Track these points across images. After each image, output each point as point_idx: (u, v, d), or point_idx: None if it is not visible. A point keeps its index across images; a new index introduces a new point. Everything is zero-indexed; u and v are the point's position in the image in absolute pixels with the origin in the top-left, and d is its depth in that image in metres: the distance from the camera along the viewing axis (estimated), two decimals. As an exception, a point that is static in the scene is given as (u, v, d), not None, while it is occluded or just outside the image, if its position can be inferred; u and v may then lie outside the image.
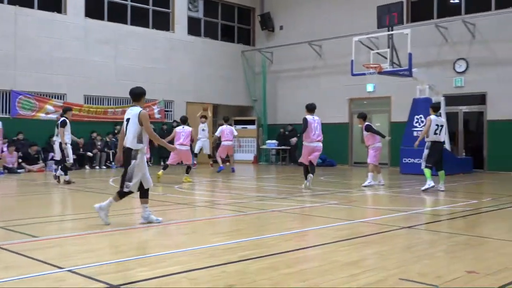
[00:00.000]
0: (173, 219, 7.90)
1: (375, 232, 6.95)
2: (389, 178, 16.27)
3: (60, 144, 12.90)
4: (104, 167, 19.69)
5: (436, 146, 12.07)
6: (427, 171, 12.01)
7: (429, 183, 11.90)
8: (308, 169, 12.36)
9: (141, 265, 4.93)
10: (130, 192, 7.29)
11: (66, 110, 13.57)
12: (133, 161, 7.12)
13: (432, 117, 12.04)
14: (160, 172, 14.20)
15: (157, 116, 22.17)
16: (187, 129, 14.43)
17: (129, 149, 7.16)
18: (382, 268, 4.88)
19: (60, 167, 13.23)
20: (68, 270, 4.69)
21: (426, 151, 12.14)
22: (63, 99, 19.75)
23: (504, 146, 18.34)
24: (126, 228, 7.05)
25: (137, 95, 7.53)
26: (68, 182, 13.01)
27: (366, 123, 13.50)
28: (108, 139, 20.18)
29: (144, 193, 7.30)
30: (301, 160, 12.68)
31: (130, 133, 7.17)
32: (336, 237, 6.59)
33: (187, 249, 5.69)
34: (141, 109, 7.34)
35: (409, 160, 17.17)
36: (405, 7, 19.83)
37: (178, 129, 14.55)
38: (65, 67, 19.73)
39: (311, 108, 12.82)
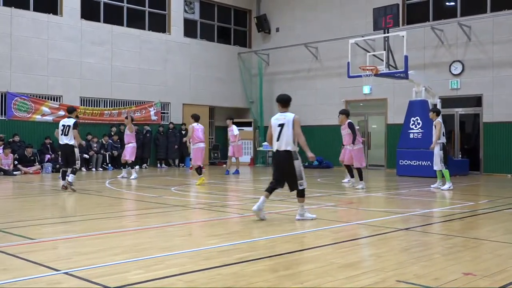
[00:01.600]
0: (169, 221, 7.87)
1: (373, 234, 6.94)
2: (386, 180, 16.29)
3: (72, 146, 12.01)
4: (101, 169, 19.63)
5: (445, 147, 13.05)
6: (447, 172, 12.76)
7: (450, 184, 12.67)
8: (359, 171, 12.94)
9: (137, 267, 4.90)
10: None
11: (72, 110, 12.67)
12: (296, 161, 7.81)
13: (440, 119, 13.04)
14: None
15: (153, 118, 22.14)
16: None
17: (289, 152, 7.78)
18: (380, 270, 4.87)
19: (72, 170, 12.18)
20: (64, 273, 4.66)
21: (441, 153, 12.78)
22: (59, 101, 19.70)
23: (500, 148, 18.38)
24: (122, 230, 7.02)
25: (287, 101, 8.09)
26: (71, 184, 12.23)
27: (349, 120, 13.14)
28: (104, 141, 20.13)
29: (301, 192, 7.89)
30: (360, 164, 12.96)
31: (288, 137, 7.77)
32: (333, 239, 6.58)
33: (183, 251, 5.66)
34: (294, 115, 7.93)
35: (406, 162, 17.19)
36: (401, 10, 19.88)
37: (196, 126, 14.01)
38: (60, 69, 19.68)
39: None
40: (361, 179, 12.84)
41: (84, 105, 20.33)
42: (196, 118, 14.19)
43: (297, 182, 7.82)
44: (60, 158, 13.15)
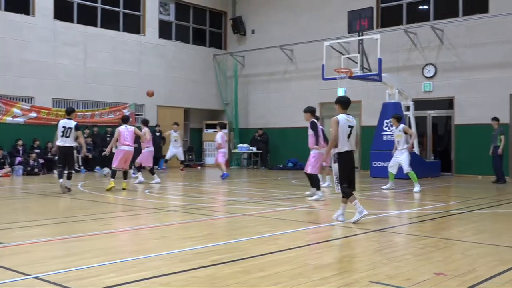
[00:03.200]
0: (143, 224, 7.82)
1: (346, 235, 7.00)
2: (360, 181, 16.42)
3: (72, 148, 11.91)
4: (73, 171, 19.30)
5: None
6: (414, 174, 12.91)
7: (418, 186, 12.73)
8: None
9: (110, 270, 4.85)
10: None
11: (71, 111, 12.41)
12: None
13: (403, 125, 13.29)
14: None
15: (127, 119, 21.91)
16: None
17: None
18: (353, 271, 4.92)
19: (69, 175, 11.92)
20: (35, 277, 4.59)
21: (409, 156, 13.11)
22: (31, 102, 19.39)
23: (471, 150, 18.70)
24: (95, 233, 6.94)
25: (348, 103, 8.10)
26: (69, 190, 11.93)
27: (313, 119, 11.25)
28: (77, 143, 19.83)
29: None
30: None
31: (354, 138, 7.96)
32: (308, 240, 6.62)
33: (157, 254, 5.63)
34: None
35: (379, 164, 17.35)
36: (375, 13, 20.09)
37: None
38: (33, 70, 19.37)
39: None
40: (312, 186, 11.10)
41: (56, 107, 20.03)
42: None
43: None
44: (58, 160, 12.68)
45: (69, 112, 12.40)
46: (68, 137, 11.89)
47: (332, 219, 8.02)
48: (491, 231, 7.32)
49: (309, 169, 11.05)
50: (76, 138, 12.27)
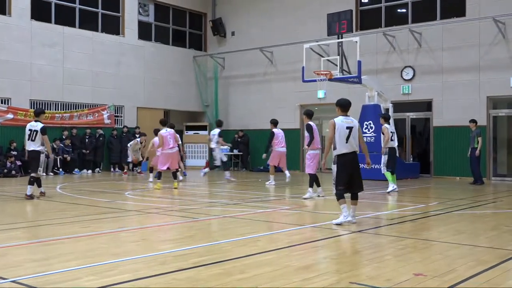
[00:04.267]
0: (122, 226, 7.75)
1: (327, 236, 7.02)
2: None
3: (38, 152, 11.10)
4: (51, 173, 19.12)
5: (392, 151, 13.21)
6: (389, 174, 12.97)
7: (393, 185, 12.84)
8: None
9: (89, 273, 4.80)
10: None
11: (39, 113, 11.60)
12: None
13: (387, 125, 13.17)
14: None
15: (106, 121, 21.74)
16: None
17: (357, 153, 7.96)
18: (334, 272, 4.93)
19: (30, 180, 11.24)
20: (12, 281, 4.52)
21: (385, 157, 13.19)
22: (7, 104, 19.10)
23: (449, 152, 18.94)
24: (74, 236, 6.86)
25: (348, 105, 8.20)
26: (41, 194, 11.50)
27: (309, 122, 12.09)
28: (55, 145, 19.61)
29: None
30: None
31: (356, 139, 7.93)
32: (288, 242, 6.62)
33: (137, 256, 5.58)
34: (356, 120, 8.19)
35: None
36: (354, 15, 20.22)
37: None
38: (9, 71, 19.07)
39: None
40: (310, 185, 11.79)
41: (34, 108, 19.74)
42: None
43: (362, 183, 8.01)
44: (29, 165, 12.16)
45: (37, 114, 11.58)
46: (33, 140, 11.09)
47: (342, 223, 7.70)
48: (470, 232, 7.41)
49: (306, 169, 11.95)
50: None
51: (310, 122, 12.04)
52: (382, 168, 13.31)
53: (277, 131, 15.07)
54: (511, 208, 10.80)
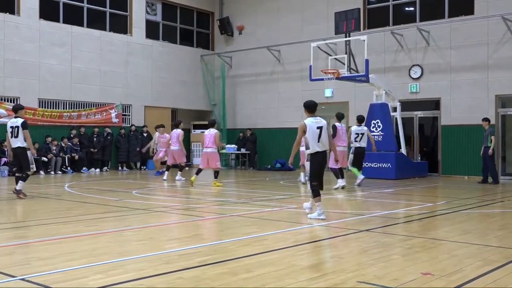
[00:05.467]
0: (129, 225, 7.76)
1: (334, 235, 7.00)
2: (347, 182, 16.44)
3: (24, 148, 10.84)
4: (60, 172, 19.20)
5: (358, 150, 14.36)
6: (355, 170, 14.37)
7: (361, 177, 14.24)
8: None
9: (95, 272, 4.80)
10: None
11: (18, 108, 11.28)
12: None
13: (353, 128, 14.48)
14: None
15: (114, 120, 21.81)
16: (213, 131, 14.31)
17: (326, 152, 8.42)
18: (341, 271, 4.91)
19: (23, 177, 11.02)
20: (21, 279, 4.54)
21: (351, 156, 14.44)
22: (16, 103, 19.17)
23: (457, 151, 18.84)
24: (80, 235, 6.88)
25: (314, 107, 8.48)
26: (19, 192, 11.03)
27: (337, 123, 13.96)
28: (63, 144, 19.71)
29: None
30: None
31: (326, 138, 8.32)
32: (295, 241, 6.60)
33: (143, 255, 5.59)
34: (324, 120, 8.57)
35: (367, 164, 17.38)
36: (362, 14, 20.16)
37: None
38: (18, 70, 19.18)
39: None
40: (337, 177, 13.50)
41: (42, 107, 19.87)
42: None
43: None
44: (11, 162, 11.73)
45: (16, 110, 11.22)
46: (16, 137, 10.80)
47: (309, 218, 8.17)
48: (477, 231, 7.36)
49: (329, 163, 12.84)
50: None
51: (337, 124, 13.83)
52: (348, 165, 14.44)
53: (340, 126, 14.02)
54: (520, 208, 10.73)
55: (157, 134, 17.98)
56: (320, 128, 8.23)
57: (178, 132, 16.15)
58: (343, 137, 13.91)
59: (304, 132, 8.22)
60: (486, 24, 18.17)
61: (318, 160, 8.25)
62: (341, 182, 13.38)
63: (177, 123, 16.90)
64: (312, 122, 8.25)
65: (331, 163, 13.07)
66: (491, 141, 15.47)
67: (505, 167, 18.40)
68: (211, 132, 14.28)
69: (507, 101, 18.45)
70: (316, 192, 8.16)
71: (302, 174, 14.92)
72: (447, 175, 18.87)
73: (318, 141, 8.20)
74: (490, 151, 15.45)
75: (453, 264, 5.24)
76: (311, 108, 8.42)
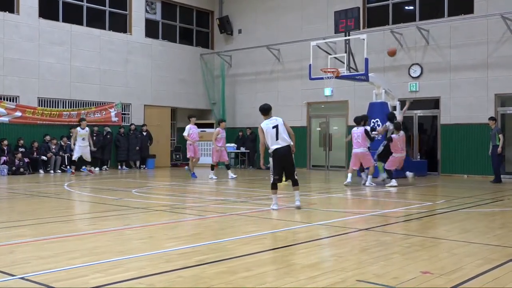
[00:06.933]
0: (129, 224, 7.77)
1: (333, 234, 7.01)
2: (336, 184, 16.45)
3: None
4: (59, 171, 19.21)
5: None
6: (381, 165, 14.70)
7: (384, 175, 14.50)
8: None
9: (95, 271, 4.81)
10: None
11: None
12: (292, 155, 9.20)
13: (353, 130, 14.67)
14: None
15: (114, 119, 21.81)
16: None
17: (290, 146, 9.06)
18: (340, 270, 4.91)
19: None
20: (21, 278, 4.54)
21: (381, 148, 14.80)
22: (16, 101, 19.20)
23: (456, 150, 18.85)
24: (81, 233, 6.88)
25: (267, 110, 9.31)
26: None
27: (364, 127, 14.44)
28: (63, 143, 19.72)
29: (296, 181, 9.23)
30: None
31: (285, 134, 9.05)
32: (294, 240, 6.61)
33: (143, 254, 5.59)
34: (281, 118, 9.25)
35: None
36: (362, 13, 20.15)
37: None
38: (17, 69, 19.18)
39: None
40: (390, 177, 14.24)
41: (42, 106, 19.87)
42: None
43: (294, 173, 9.16)
44: None
45: None
46: None
47: (276, 209, 8.99)
48: (477, 230, 7.37)
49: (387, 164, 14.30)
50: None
51: (394, 135, 14.25)
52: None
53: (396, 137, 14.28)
54: (519, 206, 10.75)
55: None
56: (275, 126, 8.97)
57: (215, 130, 17.13)
58: (400, 145, 14.26)
59: (263, 133, 9.06)
60: (485, 23, 18.17)
61: (278, 156, 9.03)
62: (393, 182, 14.02)
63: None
64: (267, 124, 9.06)
65: (388, 165, 14.20)
66: (499, 139, 15.43)
67: (505, 166, 18.40)
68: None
69: (506, 100, 18.46)
70: (274, 185, 9.08)
71: (369, 177, 14.46)
72: (446, 174, 18.88)
73: (277, 139, 8.98)
74: (499, 149, 15.39)
75: (452, 262, 5.25)
76: (263, 111, 9.27)
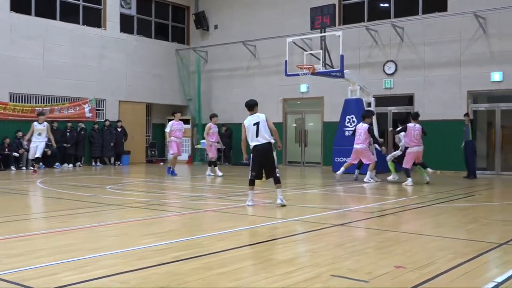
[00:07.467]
0: (103, 220, 7.68)
1: (309, 230, 7.03)
2: (322, 177, 16.56)
3: None
4: (31, 167, 18.88)
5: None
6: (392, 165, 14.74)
7: (397, 177, 14.57)
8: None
9: (67, 268, 4.74)
10: None
11: None
12: (273, 152, 9.11)
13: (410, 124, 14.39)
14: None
15: (88, 115, 21.53)
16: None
17: (270, 143, 9.00)
18: (315, 265, 4.93)
19: None
20: (-10, 276, 4.45)
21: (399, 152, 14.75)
22: (-13, 97, 18.81)
23: (430, 145, 19.03)
24: (53, 231, 6.78)
25: (252, 105, 9.31)
26: None
27: (408, 124, 14.18)
28: (18, 137, 19.32)
29: (278, 179, 9.14)
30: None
31: (266, 131, 8.99)
32: (270, 235, 6.62)
33: (116, 251, 5.53)
34: (264, 114, 9.19)
35: (341, 159, 17.50)
36: (337, 10, 20.24)
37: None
38: (-12, 63, 18.79)
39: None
40: (408, 176, 14.04)
41: (14, 101, 19.51)
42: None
43: (275, 170, 9.07)
44: None
45: None
46: None
47: (251, 205, 8.98)
48: (449, 225, 7.48)
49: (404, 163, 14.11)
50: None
51: (410, 124, 14.07)
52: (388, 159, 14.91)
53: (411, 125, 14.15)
54: (490, 201, 10.94)
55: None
56: (257, 123, 8.97)
57: (207, 126, 16.98)
58: (416, 138, 14.08)
59: (245, 130, 9.09)
60: (458, 21, 18.42)
61: (257, 153, 9.00)
62: (409, 181, 13.74)
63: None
64: (249, 121, 9.07)
65: (406, 163, 14.07)
66: (471, 134, 15.73)
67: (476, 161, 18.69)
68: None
69: (478, 96, 18.77)
70: (251, 182, 9.07)
71: (368, 173, 14.57)
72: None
73: (257, 136, 8.94)
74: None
75: (425, 257, 5.31)
76: (248, 107, 9.32)
